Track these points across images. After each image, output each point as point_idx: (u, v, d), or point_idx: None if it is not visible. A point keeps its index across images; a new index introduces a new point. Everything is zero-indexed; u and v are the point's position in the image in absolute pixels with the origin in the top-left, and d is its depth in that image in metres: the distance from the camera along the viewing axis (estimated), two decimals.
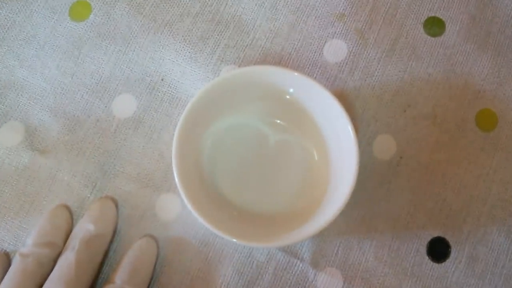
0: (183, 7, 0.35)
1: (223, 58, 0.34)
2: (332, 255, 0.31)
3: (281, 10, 0.35)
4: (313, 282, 0.31)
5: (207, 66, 0.34)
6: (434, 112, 0.34)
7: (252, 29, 0.35)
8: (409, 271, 0.31)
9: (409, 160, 0.33)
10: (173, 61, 0.34)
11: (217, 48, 0.35)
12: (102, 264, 0.30)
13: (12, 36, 0.35)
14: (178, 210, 0.31)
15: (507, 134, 0.33)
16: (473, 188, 0.32)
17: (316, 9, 0.35)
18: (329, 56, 0.35)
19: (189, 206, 0.27)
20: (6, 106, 0.33)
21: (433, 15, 0.36)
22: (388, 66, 0.34)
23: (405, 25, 0.35)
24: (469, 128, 0.33)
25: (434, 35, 0.35)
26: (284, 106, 0.31)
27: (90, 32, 0.35)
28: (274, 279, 0.31)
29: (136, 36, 0.35)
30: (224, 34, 0.35)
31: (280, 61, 0.34)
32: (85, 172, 0.32)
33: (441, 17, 0.35)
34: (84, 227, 0.29)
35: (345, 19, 0.35)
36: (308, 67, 0.34)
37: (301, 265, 0.31)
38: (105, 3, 0.35)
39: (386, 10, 0.35)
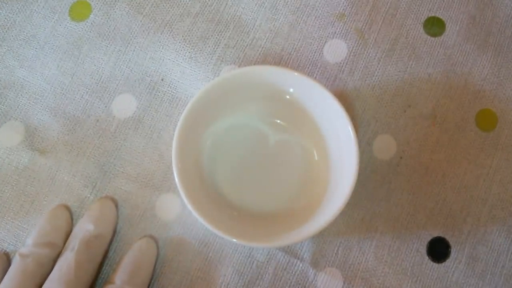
0: (183, 7, 0.35)
1: (223, 58, 0.34)
2: (332, 255, 0.31)
3: (281, 10, 0.35)
4: (313, 282, 0.31)
5: (207, 66, 0.34)
6: (434, 112, 0.34)
7: (252, 29, 0.35)
8: (409, 271, 0.31)
9: (409, 160, 0.33)
10: (173, 61, 0.34)
11: (217, 48, 0.35)
12: (102, 264, 0.30)
13: (12, 36, 0.35)
14: (178, 210, 0.31)
15: (507, 134, 0.33)
16: (473, 188, 0.32)
17: (316, 9, 0.35)
18: (329, 56, 0.35)
19: (189, 206, 0.27)
20: (6, 106, 0.33)
21: (433, 15, 0.36)
22: (388, 66, 0.34)
23: (405, 25, 0.35)
24: (469, 128, 0.33)
25: (434, 35, 0.35)
26: (284, 106, 0.31)
27: (90, 32, 0.35)
28: (274, 279, 0.31)
29: (136, 36, 0.35)
30: (224, 34, 0.35)
31: (280, 61, 0.34)
32: (85, 172, 0.32)
33: (441, 17, 0.35)
34: (84, 227, 0.29)
35: (345, 19, 0.35)
36: (308, 67, 0.34)
37: (301, 265, 0.31)
38: (105, 3, 0.35)
39: (386, 10, 0.35)
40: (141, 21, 0.35)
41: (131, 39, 0.35)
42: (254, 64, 0.34)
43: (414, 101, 0.34)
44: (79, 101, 0.33)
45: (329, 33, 0.35)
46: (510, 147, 0.33)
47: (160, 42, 0.34)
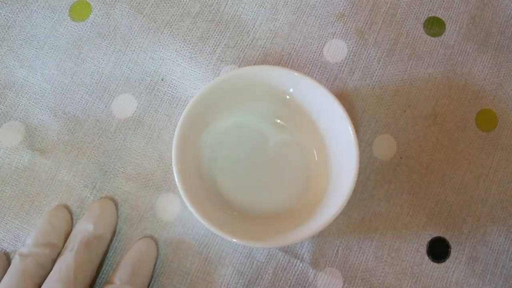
0: (183, 7, 0.35)
1: (223, 58, 0.34)
2: (332, 255, 0.31)
3: (281, 10, 0.35)
4: (313, 282, 0.31)
5: (207, 66, 0.34)
6: (434, 112, 0.33)
7: (252, 29, 0.35)
8: (409, 271, 0.31)
9: (409, 160, 0.33)
10: (173, 61, 0.34)
11: (217, 48, 0.34)
12: (101, 264, 0.30)
13: (12, 36, 0.35)
14: (178, 210, 0.31)
15: (507, 134, 0.33)
16: (473, 188, 0.32)
17: (316, 9, 0.35)
18: (329, 56, 0.35)
19: (189, 206, 0.27)
20: (6, 106, 0.33)
21: (433, 15, 0.35)
22: (388, 66, 0.34)
23: (405, 25, 0.35)
24: (469, 128, 0.33)
25: (434, 35, 0.35)
26: (284, 106, 0.31)
27: (90, 32, 0.35)
28: (274, 279, 0.31)
29: (136, 36, 0.35)
30: (224, 34, 0.35)
31: (280, 61, 0.34)
32: (85, 172, 0.32)
33: (441, 17, 0.35)
34: (84, 228, 0.29)
35: (345, 19, 0.35)
36: (308, 67, 0.34)
37: (301, 265, 0.31)
38: (105, 3, 0.35)
39: (386, 10, 0.35)
40: (141, 21, 0.35)
41: (131, 39, 0.35)
42: (254, 64, 0.34)
43: (414, 101, 0.34)
44: (79, 101, 0.33)
45: (329, 33, 0.35)
46: (510, 147, 0.33)
47: (160, 42, 0.34)
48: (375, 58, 0.34)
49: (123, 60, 0.34)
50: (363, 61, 0.34)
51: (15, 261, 0.28)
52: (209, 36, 0.35)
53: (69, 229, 0.30)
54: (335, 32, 0.35)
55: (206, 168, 0.31)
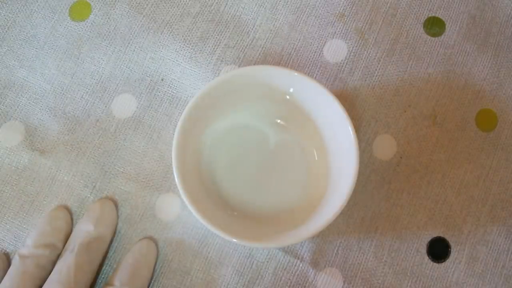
0: (183, 7, 0.35)
1: (223, 58, 0.34)
2: (332, 255, 0.31)
3: (281, 10, 0.35)
4: (313, 282, 0.31)
5: (207, 66, 0.34)
6: (434, 112, 0.33)
7: (252, 29, 0.35)
8: (409, 271, 0.31)
9: (409, 160, 0.33)
10: (173, 61, 0.34)
11: (217, 48, 0.34)
12: (101, 264, 0.30)
13: (12, 36, 0.35)
14: (178, 210, 0.31)
15: (507, 134, 0.33)
16: (473, 188, 0.32)
17: (316, 9, 0.35)
18: (329, 56, 0.35)
19: (189, 206, 0.27)
20: (6, 106, 0.33)
21: (433, 15, 0.35)
22: (388, 66, 0.34)
23: (405, 25, 0.35)
24: (469, 128, 0.33)
25: (434, 35, 0.35)
26: (284, 106, 0.31)
27: (90, 32, 0.35)
28: (274, 279, 0.31)
29: (136, 36, 0.35)
30: (224, 34, 0.35)
31: (280, 61, 0.34)
32: (85, 172, 0.32)
33: (441, 17, 0.35)
34: (84, 228, 0.29)
35: (345, 19, 0.35)
36: (308, 67, 0.34)
37: (301, 265, 0.31)
38: (105, 3, 0.35)
39: (386, 10, 0.35)
40: (141, 21, 0.35)
41: (131, 39, 0.35)
42: (254, 64, 0.34)
43: (414, 101, 0.34)
44: (79, 101, 0.33)
45: (329, 33, 0.35)
46: (510, 147, 0.33)
47: (160, 42, 0.34)
48: (375, 58, 0.34)
49: (123, 60, 0.34)
50: (363, 61, 0.34)
51: (15, 262, 0.28)
52: (209, 36, 0.35)
53: (69, 230, 0.30)
54: (335, 32, 0.35)
55: (206, 168, 0.31)
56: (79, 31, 0.35)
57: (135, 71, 0.34)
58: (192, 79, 0.34)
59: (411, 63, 0.34)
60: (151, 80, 0.34)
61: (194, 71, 0.34)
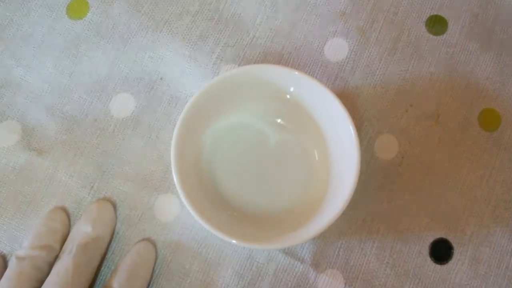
0: (182, 5, 0.35)
1: (222, 57, 0.34)
2: (333, 257, 0.31)
3: (281, 8, 0.35)
4: (314, 284, 0.30)
5: (207, 65, 0.34)
6: (437, 112, 0.33)
7: (252, 28, 0.35)
8: (411, 272, 0.31)
9: (411, 160, 0.32)
10: (172, 60, 0.34)
11: (216, 47, 0.34)
12: (100, 265, 0.30)
13: (9, 34, 0.34)
14: (177, 211, 0.31)
15: (511, 133, 0.33)
16: (476, 188, 0.32)
17: (317, 7, 0.35)
18: (330, 55, 0.34)
19: (188, 207, 0.27)
20: (3, 105, 0.33)
21: (435, 13, 0.35)
22: (390, 65, 0.34)
23: (407, 23, 0.35)
24: (472, 128, 0.33)
25: (436, 33, 0.35)
26: (285, 106, 0.31)
27: (88, 30, 0.34)
28: (274, 281, 0.30)
29: (134, 34, 0.34)
30: (224, 32, 0.35)
31: (281, 60, 0.34)
32: (83, 173, 0.32)
33: (443, 16, 0.35)
34: (82, 230, 0.29)
35: (346, 18, 0.35)
36: (309, 66, 0.34)
37: (301, 267, 0.31)
38: (103, 1, 0.35)
39: (387, 8, 0.35)
40: (139, 19, 0.35)
41: (129, 38, 0.34)
42: (254, 63, 0.34)
43: (416, 100, 0.33)
44: (77, 101, 0.33)
45: (330, 32, 0.35)
46: None
47: (159, 40, 0.34)
48: (376, 57, 0.34)
49: (122, 59, 0.34)
50: (365, 60, 0.34)
51: (12, 264, 0.28)
52: (208, 34, 0.34)
53: (66, 231, 0.30)
54: (336, 31, 0.35)
55: (205, 168, 0.31)
56: (76, 29, 0.34)
57: (133, 70, 0.34)
58: (192, 78, 0.34)
59: (413, 62, 0.34)
60: (149, 79, 0.34)
61: (194, 70, 0.34)
